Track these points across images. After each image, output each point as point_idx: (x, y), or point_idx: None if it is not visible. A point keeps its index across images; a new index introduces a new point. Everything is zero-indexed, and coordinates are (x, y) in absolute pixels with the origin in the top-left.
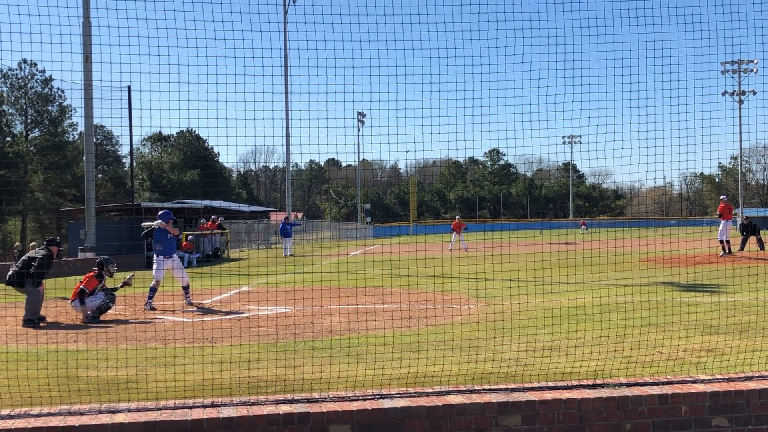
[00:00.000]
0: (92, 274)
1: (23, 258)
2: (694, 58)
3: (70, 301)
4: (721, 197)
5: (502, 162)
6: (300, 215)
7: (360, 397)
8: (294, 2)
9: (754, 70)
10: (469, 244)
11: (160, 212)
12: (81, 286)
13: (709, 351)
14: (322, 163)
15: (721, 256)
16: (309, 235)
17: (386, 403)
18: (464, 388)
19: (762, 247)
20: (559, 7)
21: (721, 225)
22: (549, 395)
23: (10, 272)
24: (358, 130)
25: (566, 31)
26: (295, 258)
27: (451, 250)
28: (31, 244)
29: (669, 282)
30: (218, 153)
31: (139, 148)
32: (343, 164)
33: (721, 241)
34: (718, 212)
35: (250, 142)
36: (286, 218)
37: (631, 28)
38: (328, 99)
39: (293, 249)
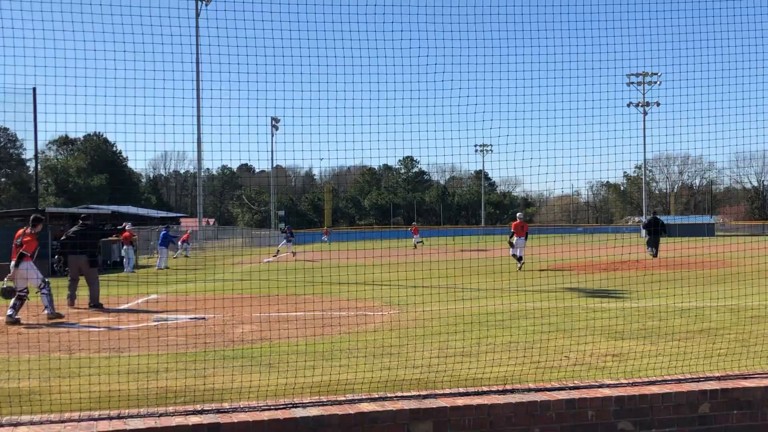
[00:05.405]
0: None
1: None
2: (600, 70)
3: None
4: (518, 215)
5: (416, 169)
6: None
7: (272, 407)
8: (206, 5)
9: (658, 82)
10: (383, 252)
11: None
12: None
13: (615, 356)
14: (235, 169)
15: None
16: (221, 242)
17: (298, 412)
18: (377, 396)
19: (655, 255)
20: (471, 18)
21: (515, 241)
22: (460, 401)
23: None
24: (272, 136)
25: (477, 42)
26: (167, 270)
27: (415, 246)
28: None
29: (576, 288)
30: (127, 157)
31: (44, 152)
32: (257, 170)
33: (514, 256)
34: (512, 229)
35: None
36: (167, 227)
37: (540, 41)
38: (241, 104)
39: (168, 261)
